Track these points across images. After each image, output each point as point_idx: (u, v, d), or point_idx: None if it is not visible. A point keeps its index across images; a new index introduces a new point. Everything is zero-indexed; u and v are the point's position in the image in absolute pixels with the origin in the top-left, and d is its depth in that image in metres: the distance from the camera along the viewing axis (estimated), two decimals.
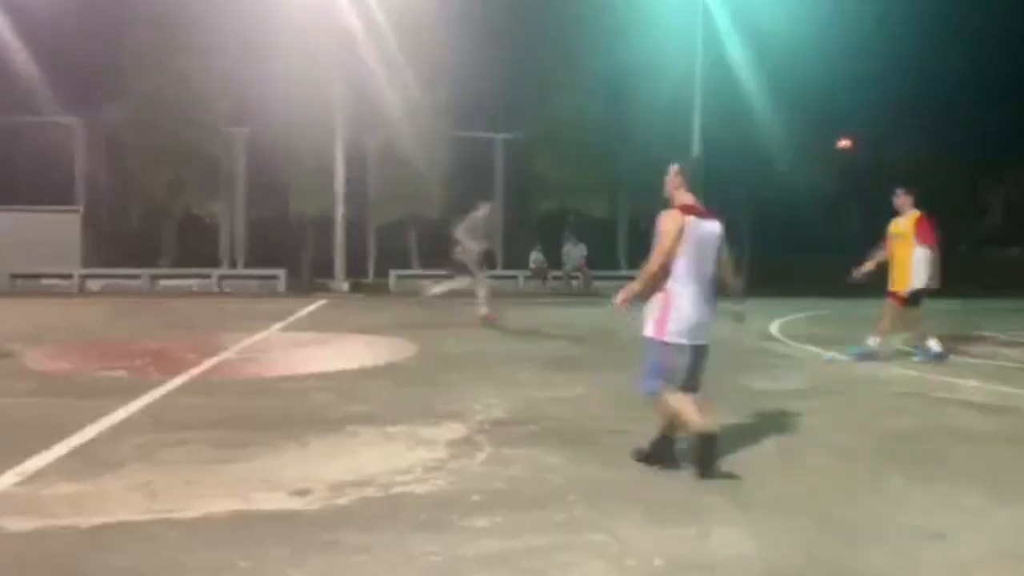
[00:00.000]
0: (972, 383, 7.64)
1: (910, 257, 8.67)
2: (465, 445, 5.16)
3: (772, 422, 6.04)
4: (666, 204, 4.81)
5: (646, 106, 20.42)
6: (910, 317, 8.92)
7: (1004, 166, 39.98)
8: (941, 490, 4.41)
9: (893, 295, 8.90)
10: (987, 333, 11.62)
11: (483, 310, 11.98)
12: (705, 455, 4.47)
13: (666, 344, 4.51)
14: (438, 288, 12.68)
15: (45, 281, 19.79)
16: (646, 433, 5.48)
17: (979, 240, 31.58)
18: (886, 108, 24.53)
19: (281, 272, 20.09)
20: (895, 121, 25.52)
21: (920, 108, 25.65)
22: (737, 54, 20.24)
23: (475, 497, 4.15)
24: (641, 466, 4.75)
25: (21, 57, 19.85)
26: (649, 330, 4.56)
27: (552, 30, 20.92)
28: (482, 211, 12.19)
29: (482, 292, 12.04)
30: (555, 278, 21.16)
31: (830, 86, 21.13)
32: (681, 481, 4.50)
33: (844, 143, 27.08)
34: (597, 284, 20.83)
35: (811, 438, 5.54)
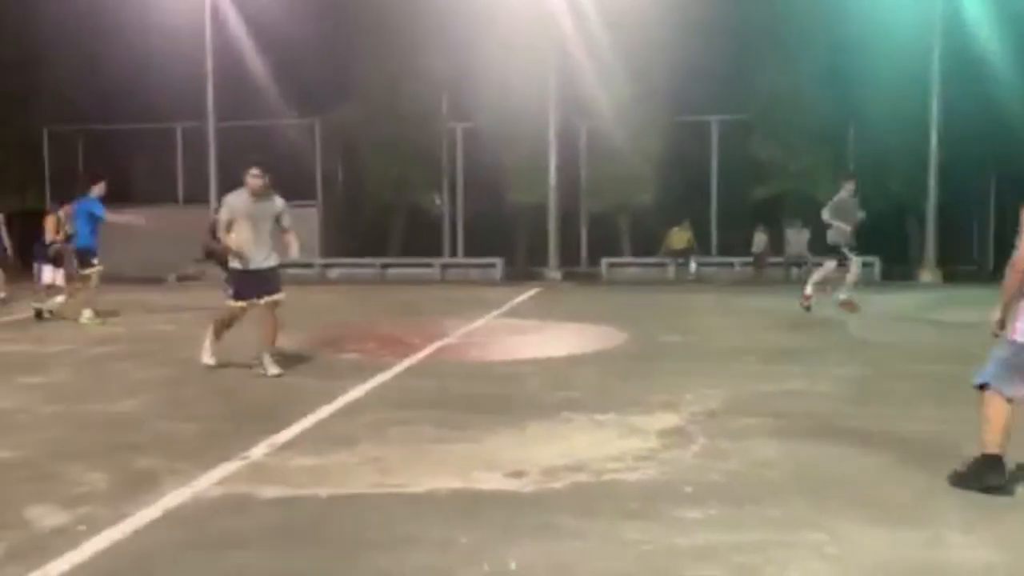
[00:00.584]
0: None
1: None
2: (677, 435, 5.11)
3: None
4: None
5: (876, 80, 19.04)
6: None
7: None
8: None
9: None
10: None
11: (843, 295, 11.69)
12: (977, 474, 4.09)
13: (1014, 343, 4.13)
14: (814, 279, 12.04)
15: (291, 270, 21.70)
16: (867, 430, 5.19)
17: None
18: None
19: (498, 261, 20.77)
20: None
21: None
22: (982, 26, 18.30)
23: (688, 488, 4.11)
24: (869, 465, 4.50)
25: (263, 64, 21.84)
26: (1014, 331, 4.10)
27: (768, 6, 20.00)
28: (846, 190, 11.81)
29: (851, 278, 11.78)
30: (772, 264, 20.28)
31: None
32: (913, 482, 4.21)
33: None
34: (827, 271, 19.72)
35: None
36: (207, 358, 7.42)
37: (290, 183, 23.19)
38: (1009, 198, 19.60)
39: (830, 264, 11.92)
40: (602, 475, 4.34)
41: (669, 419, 5.50)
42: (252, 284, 7.13)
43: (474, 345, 9.21)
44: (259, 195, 7.08)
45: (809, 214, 20.27)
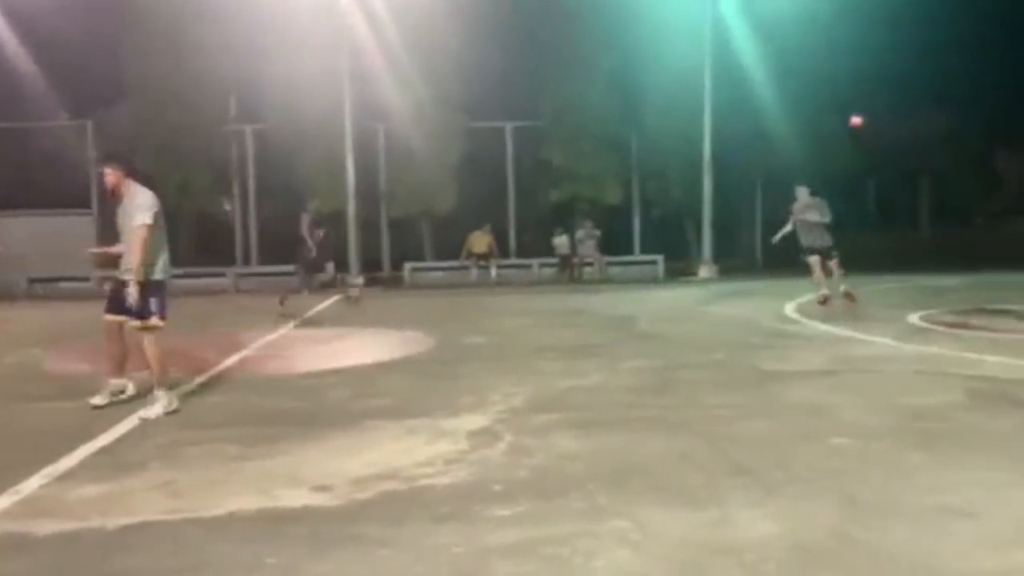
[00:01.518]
0: (992, 358, 7.58)
1: None
2: (486, 436, 5.17)
3: (789, 402, 6.02)
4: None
5: (656, 94, 20.32)
6: None
7: (1019, 137, 39.52)
8: (967, 467, 4.37)
9: None
10: (1007, 307, 11.50)
11: (843, 287, 12.03)
12: None
13: None
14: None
15: (63, 284, 19.97)
16: (661, 418, 5.51)
17: (996, 212, 31.30)
18: (899, 83, 24.31)
19: (297, 268, 20.14)
20: (909, 96, 25.29)
21: (934, 82, 25.43)
22: (744, 39, 20.05)
23: (497, 487, 4.16)
24: (664, 451, 4.75)
25: (29, 61, 19.98)
26: None
27: (560, 18, 20.79)
28: (801, 198, 12.14)
29: (837, 272, 12.15)
30: (574, 265, 21.13)
31: (839, 65, 20.93)
32: (704, 465, 4.50)
33: (856, 121, 26.85)
34: (612, 270, 20.77)
35: (828, 418, 5.51)
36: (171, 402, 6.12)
37: (59, 190, 21.42)
38: (772, 199, 21.56)
39: (833, 262, 12.26)
40: (412, 481, 4.30)
41: (477, 420, 5.55)
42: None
43: (273, 357, 8.87)
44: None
45: (599, 216, 21.35)
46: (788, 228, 12.27)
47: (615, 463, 4.58)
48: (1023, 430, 5.12)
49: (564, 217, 21.67)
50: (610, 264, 20.96)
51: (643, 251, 22.47)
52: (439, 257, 22.15)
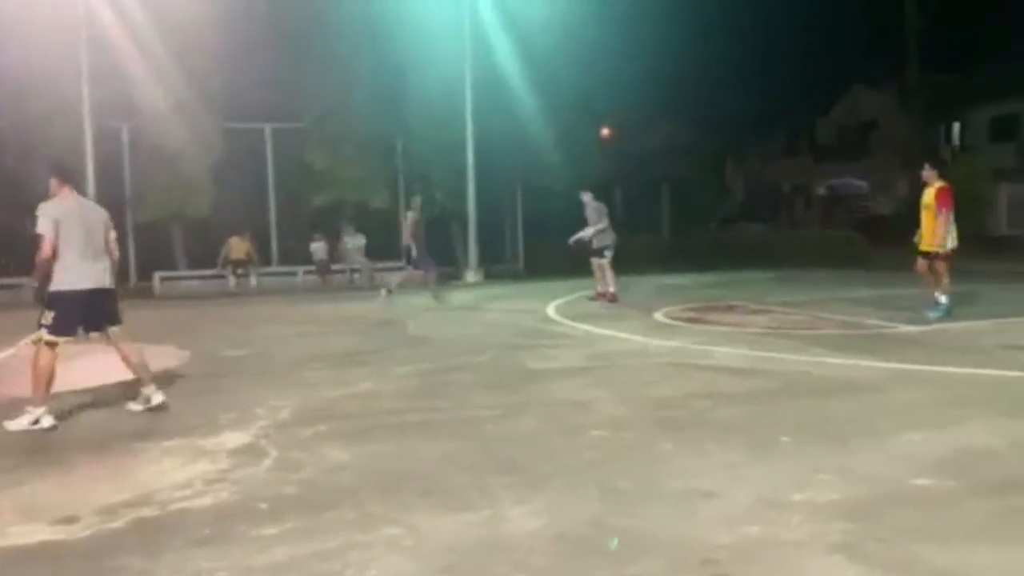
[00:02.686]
0: (725, 349, 8.38)
1: (934, 222, 10.13)
2: (250, 453, 4.96)
3: (553, 399, 6.31)
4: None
5: (420, 98, 20.49)
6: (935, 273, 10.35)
7: (746, 151, 44.17)
8: (706, 451, 4.81)
9: (930, 255, 10.31)
10: (737, 302, 12.75)
11: (612, 288, 13.30)
12: None
13: None
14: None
15: None
16: (431, 422, 5.57)
17: (727, 217, 34.66)
18: (643, 98, 26.28)
19: (25, 281, 18.22)
20: (651, 110, 27.40)
21: (673, 99, 27.77)
22: (504, 48, 20.77)
23: (262, 505, 4.00)
24: (434, 455, 4.81)
25: None
26: None
27: (321, 19, 20.39)
28: (587, 202, 13.63)
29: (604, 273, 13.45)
30: (335, 272, 20.76)
31: (592, 77, 22.26)
32: (473, 466, 4.60)
33: (606, 132, 28.64)
34: (383, 275, 20.66)
35: (589, 412, 5.84)
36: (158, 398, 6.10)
37: None
38: (532, 204, 22.48)
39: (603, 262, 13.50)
40: (169, 505, 4.03)
41: (239, 437, 5.31)
42: None
43: (5, 378, 7.95)
44: None
45: (365, 221, 21.17)
46: (590, 231, 13.57)
47: (386, 471, 4.57)
48: (753, 415, 5.70)
49: (329, 222, 21.27)
50: (377, 270, 20.85)
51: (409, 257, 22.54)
52: (193, 265, 20.90)
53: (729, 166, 44.59)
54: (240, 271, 19.82)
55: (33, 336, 5.94)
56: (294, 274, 20.94)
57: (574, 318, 11.36)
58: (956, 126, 37.71)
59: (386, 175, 21.66)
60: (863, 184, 39.72)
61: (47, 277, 5.83)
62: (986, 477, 4.20)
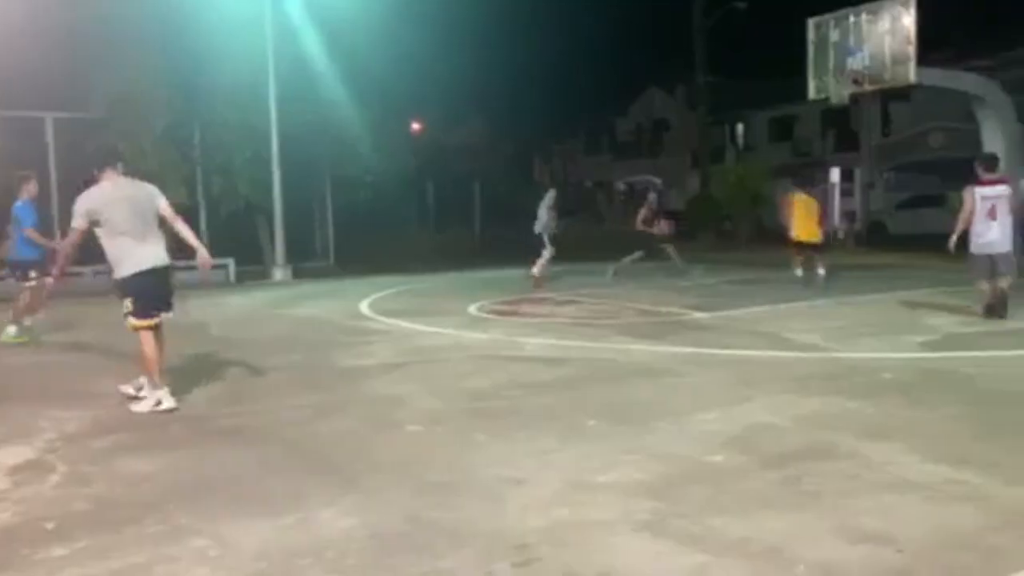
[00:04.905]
0: (536, 340, 8.62)
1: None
2: (33, 469, 4.55)
3: (367, 397, 6.24)
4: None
5: (220, 86, 19.55)
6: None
7: (552, 148, 45.60)
8: (518, 439, 4.92)
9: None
10: (547, 295, 13.14)
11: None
12: None
13: None
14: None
15: None
16: (241, 427, 5.36)
17: (534, 212, 35.61)
18: (453, 95, 26.51)
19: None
20: (460, 107, 27.69)
21: (482, 96, 28.23)
22: (311, 37, 20.23)
23: (49, 525, 3.69)
24: (243, 461, 4.61)
25: None
26: None
27: (106, 7, 18.96)
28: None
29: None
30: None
31: (401, 72, 22.16)
32: (284, 469, 4.46)
33: (416, 126, 28.63)
34: (180, 276, 19.50)
35: (404, 408, 5.82)
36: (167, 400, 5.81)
37: None
38: (342, 197, 22.07)
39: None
40: None
41: (21, 452, 4.85)
42: None
43: None
44: None
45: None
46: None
47: (191, 480, 4.34)
48: (561, 402, 5.90)
49: None
50: (176, 269, 19.71)
51: (213, 253, 21.37)
52: None
53: (536, 163, 45.89)
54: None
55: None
56: (80, 274, 19.38)
57: (388, 314, 11.28)
58: (740, 127, 40.81)
59: (184, 166, 20.52)
60: (658, 180, 42.12)
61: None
62: (771, 450, 4.57)
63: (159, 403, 5.79)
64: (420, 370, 7.29)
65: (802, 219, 13.68)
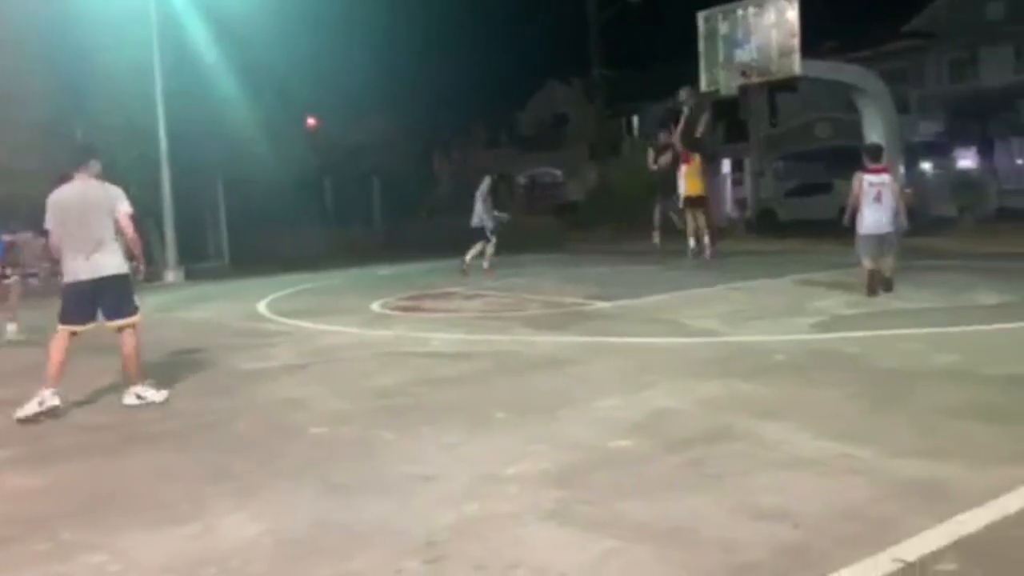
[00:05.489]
0: (441, 335, 8.59)
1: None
2: None
3: (268, 400, 6.09)
4: None
5: (103, 82, 18.70)
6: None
7: (452, 144, 45.58)
8: (426, 435, 4.89)
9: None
10: (452, 289, 13.11)
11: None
12: None
13: None
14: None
15: None
16: (137, 435, 5.17)
17: (435, 207, 35.48)
18: (350, 90, 26.08)
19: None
20: (359, 102, 27.28)
21: (381, 92, 27.93)
22: (199, 32, 19.57)
23: None
24: (139, 471, 4.43)
25: None
26: None
27: None
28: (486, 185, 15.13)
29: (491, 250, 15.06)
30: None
31: (295, 68, 21.71)
32: (183, 478, 4.31)
33: (312, 122, 28.08)
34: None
35: (307, 410, 5.71)
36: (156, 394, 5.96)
37: None
38: (235, 196, 21.47)
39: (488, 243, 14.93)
40: None
41: None
42: None
43: None
44: None
45: (36, 218, 18.91)
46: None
47: (83, 493, 4.14)
48: (468, 396, 5.90)
49: (4, 219, 18.74)
50: (56, 274, 18.77)
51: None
52: None
53: (436, 157, 45.71)
54: None
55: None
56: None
57: (288, 314, 11.04)
58: (635, 119, 41.61)
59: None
60: (558, 172, 42.62)
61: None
62: (674, 434, 4.69)
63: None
64: (323, 371, 7.17)
65: (690, 177, 14.33)
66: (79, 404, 6.10)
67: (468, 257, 14.97)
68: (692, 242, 14.16)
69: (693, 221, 14.55)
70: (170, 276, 19.12)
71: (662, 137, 16.27)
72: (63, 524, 3.69)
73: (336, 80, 25.34)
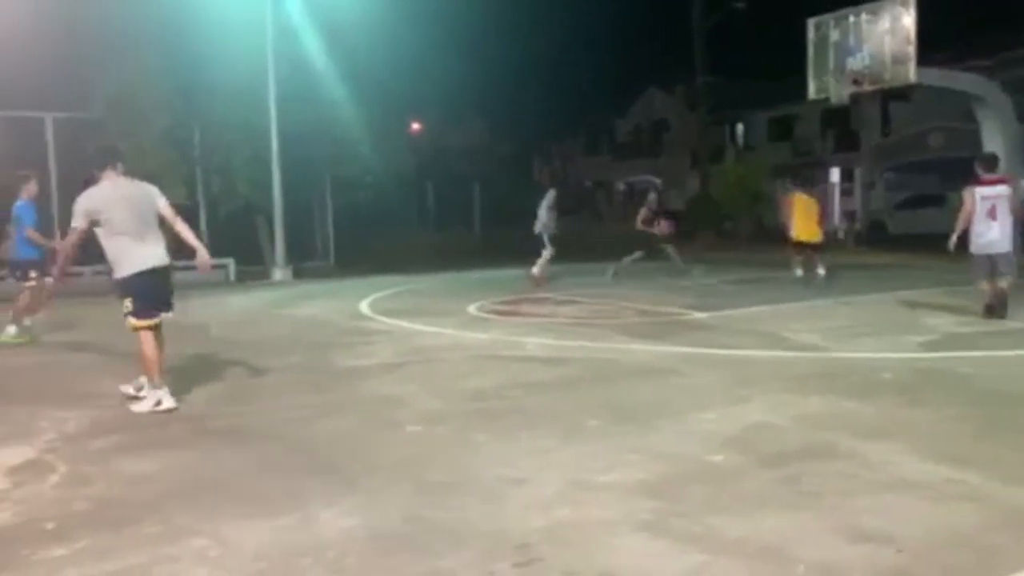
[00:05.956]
0: (536, 340, 8.62)
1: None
2: (33, 469, 4.55)
3: (367, 397, 6.24)
4: None
5: (220, 86, 19.55)
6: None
7: (552, 149, 45.66)
8: (519, 439, 4.92)
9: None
10: (546, 295, 13.14)
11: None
12: None
13: None
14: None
15: None
16: (241, 428, 5.37)
17: (534, 213, 35.64)
18: (452, 96, 26.53)
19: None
20: (460, 108, 27.70)
21: (482, 97, 28.30)
22: (311, 38, 20.25)
23: (49, 525, 3.69)
24: (244, 461, 4.62)
25: None
26: None
27: (104, 6, 18.95)
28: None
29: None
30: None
31: (400, 73, 22.21)
32: (283, 469, 4.46)
33: (416, 126, 28.62)
34: (178, 276, 19.48)
35: (404, 408, 5.82)
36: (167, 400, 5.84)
37: None
38: (341, 196, 22.05)
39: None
40: None
41: (20, 452, 4.85)
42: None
43: None
44: None
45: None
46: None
47: (190, 480, 4.34)
48: (562, 402, 5.90)
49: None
50: (175, 269, 19.70)
51: (212, 253, 21.34)
52: None
53: (536, 163, 45.89)
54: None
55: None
56: (81, 274, 19.37)
57: (388, 314, 11.28)
58: (739, 127, 40.80)
59: (184, 166, 20.51)
60: (658, 180, 42.12)
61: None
62: (770, 450, 4.57)
63: (159, 403, 5.79)
64: (420, 370, 7.29)
65: (802, 219, 13.67)
66: (186, 394, 6.39)
67: (536, 269, 14.86)
68: (799, 272, 13.65)
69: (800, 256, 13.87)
70: (278, 274, 19.78)
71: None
72: (173, 509, 3.88)
73: (439, 85, 25.85)
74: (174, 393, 5.96)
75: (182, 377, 6.85)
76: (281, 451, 4.83)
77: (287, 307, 12.99)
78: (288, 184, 20.01)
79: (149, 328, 5.94)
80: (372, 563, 3.26)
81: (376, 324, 10.50)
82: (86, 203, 5.80)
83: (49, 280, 8.58)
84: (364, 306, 12.38)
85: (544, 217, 15.06)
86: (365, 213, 23.07)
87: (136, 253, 5.85)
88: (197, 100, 19.69)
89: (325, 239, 23.20)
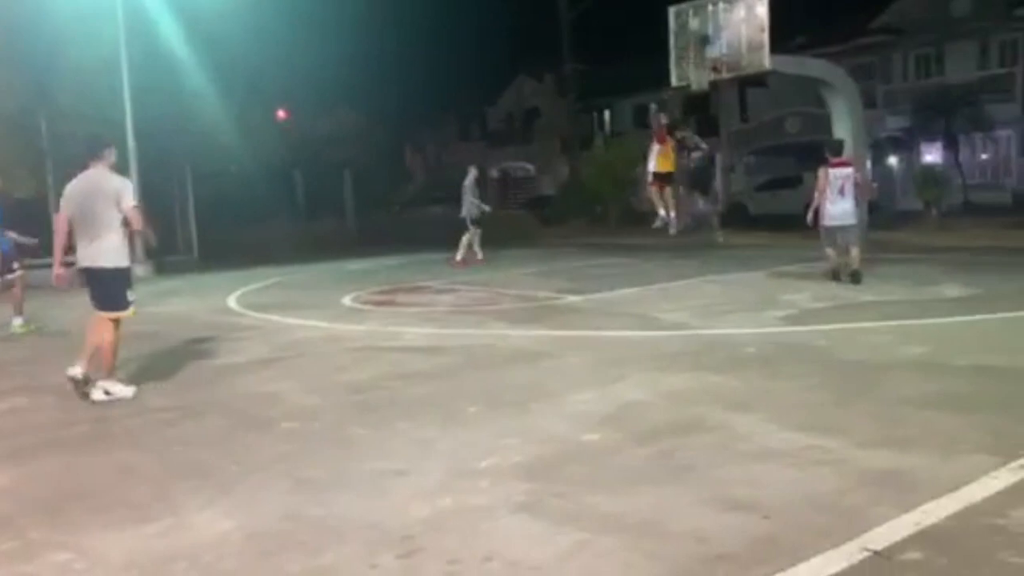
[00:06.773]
0: (414, 330, 8.57)
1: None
2: None
3: (238, 395, 6.04)
4: None
5: (70, 73, 18.38)
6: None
7: (425, 139, 45.47)
8: (398, 430, 4.88)
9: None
10: (424, 283, 13.08)
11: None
12: None
13: None
14: None
15: None
16: (106, 434, 5.11)
17: (408, 201, 35.39)
18: (321, 83, 25.91)
19: None
20: (329, 95, 27.10)
21: (352, 85, 27.79)
22: (170, 30, 19.31)
23: None
24: (106, 468, 4.38)
25: None
26: None
27: None
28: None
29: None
30: None
31: (265, 60, 21.51)
32: (152, 475, 4.27)
33: (282, 114, 27.81)
34: (36, 274, 18.26)
35: (278, 405, 5.67)
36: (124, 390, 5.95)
37: None
38: (205, 189, 21.22)
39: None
40: None
41: None
42: None
43: None
44: None
45: (12, 212, 18.52)
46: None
47: (50, 491, 4.09)
48: (442, 390, 5.89)
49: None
50: (34, 267, 18.43)
51: (65, 251, 20.14)
52: None
53: (408, 151, 45.53)
54: None
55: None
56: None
57: (258, 308, 10.95)
58: (607, 113, 41.71)
59: (30, 158, 19.19)
60: (530, 167, 42.64)
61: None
62: (643, 427, 4.72)
63: (123, 389, 5.98)
64: (294, 365, 7.12)
65: (663, 157, 14.31)
66: (46, 401, 6.01)
67: (459, 253, 15.07)
68: (662, 212, 14.03)
69: (661, 196, 14.42)
70: (139, 270, 18.81)
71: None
72: (29, 523, 3.64)
73: (307, 73, 25.20)
74: (32, 397, 5.59)
75: (38, 383, 6.43)
76: (147, 456, 4.61)
77: (150, 304, 12.39)
78: (147, 177, 19.06)
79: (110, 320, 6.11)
80: (251, 564, 3.16)
81: (246, 319, 10.17)
82: (64, 192, 6.06)
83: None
84: (232, 301, 11.97)
85: (467, 199, 15.25)
86: (231, 205, 22.27)
87: (79, 249, 6.05)
88: (48, 87, 18.47)
89: (187, 232, 22.24)
